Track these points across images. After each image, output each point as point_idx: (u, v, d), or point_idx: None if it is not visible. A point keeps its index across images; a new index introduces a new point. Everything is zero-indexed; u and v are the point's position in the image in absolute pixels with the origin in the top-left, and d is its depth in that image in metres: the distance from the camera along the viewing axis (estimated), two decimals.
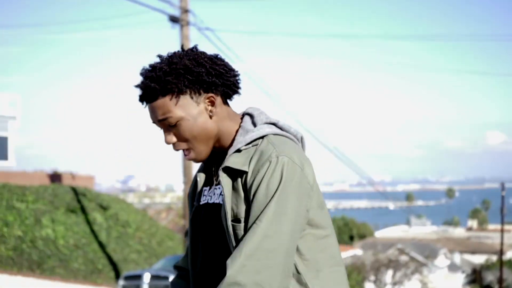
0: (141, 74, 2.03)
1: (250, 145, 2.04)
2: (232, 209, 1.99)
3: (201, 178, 2.19)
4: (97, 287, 20.58)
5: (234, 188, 2.00)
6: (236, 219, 1.98)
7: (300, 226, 1.95)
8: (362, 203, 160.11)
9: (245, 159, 2.00)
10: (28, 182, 25.41)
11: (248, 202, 1.96)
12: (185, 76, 1.98)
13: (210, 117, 2.04)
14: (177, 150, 2.06)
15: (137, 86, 2.04)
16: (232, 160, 2.01)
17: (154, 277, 15.12)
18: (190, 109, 2.00)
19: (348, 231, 60.15)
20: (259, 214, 1.90)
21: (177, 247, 26.91)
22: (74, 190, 25.85)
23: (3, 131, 29.95)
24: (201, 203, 2.16)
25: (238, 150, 2.03)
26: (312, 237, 2.01)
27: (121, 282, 16.14)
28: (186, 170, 18.50)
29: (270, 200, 1.90)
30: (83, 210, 24.45)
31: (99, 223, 24.36)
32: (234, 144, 2.05)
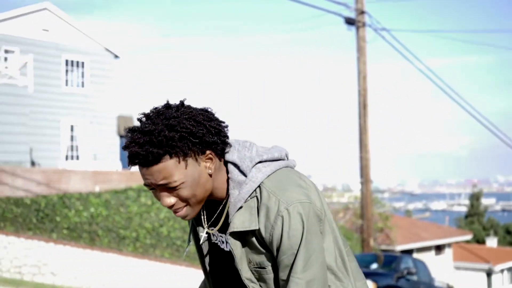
0: (132, 138, 1.91)
1: (249, 198, 2.00)
2: (251, 260, 2.04)
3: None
4: None
5: (248, 243, 2.02)
6: (260, 267, 2.04)
7: (323, 250, 2.01)
8: None
9: (250, 215, 1.99)
10: None
11: (268, 251, 2.00)
12: (189, 139, 1.92)
13: (209, 175, 2.00)
14: (175, 209, 1.98)
15: (130, 151, 1.91)
16: (239, 221, 1.99)
17: None
18: (192, 171, 1.94)
19: None
20: (292, 267, 1.94)
21: (355, 247, 26.97)
22: None
23: None
24: (212, 240, 2.20)
25: (239, 208, 2.01)
26: None
27: None
28: (363, 170, 18.58)
29: (298, 251, 1.93)
30: None
31: None
32: (233, 202, 2.01)
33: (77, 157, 26.18)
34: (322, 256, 1.98)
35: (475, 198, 57.71)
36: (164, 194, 1.95)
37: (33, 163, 23.10)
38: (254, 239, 1.99)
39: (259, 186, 2.00)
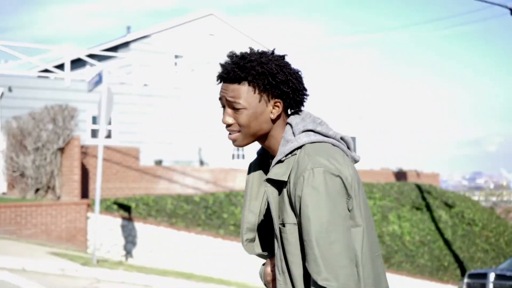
0: (230, 57, 2.27)
1: (290, 155, 2.20)
2: (279, 215, 2.20)
3: (252, 168, 2.45)
4: (443, 284, 20.74)
5: (280, 195, 2.20)
6: (282, 224, 2.18)
7: (348, 223, 2.10)
8: None
9: (286, 169, 2.18)
10: (374, 179, 26.58)
11: (293, 209, 2.15)
12: (267, 78, 2.19)
13: (271, 119, 2.24)
14: (228, 129, 2.27)
15: (222, 65, 2.26)
16: (274, 172, 2.20)
17: (499, 277, 14.77)
18: (257, 104, 2.21)
19: None
20: (313, 226, 2.05)
21: None
22: (419, 187, 26.30)
23: (351, 131, 31.73)
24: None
25: (280, 161, 2.21)
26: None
27: (466, 279, 16.10)
28: None
29: (319, 209, 2.05)
30: (428, 207, 24.75)
31: (444, 220, 24.43)
32: (277, 154, 2.23)
33: (243, 156, 27.09)
34: (347, 223, 2.09)
35: None
36: (228, 112, 2.26)
37: (201, 163, 24.22)
38: (286, 192, 2.17)
39: (301, 148, 2.20)
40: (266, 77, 2.19)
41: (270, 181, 2.21)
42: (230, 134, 2.27)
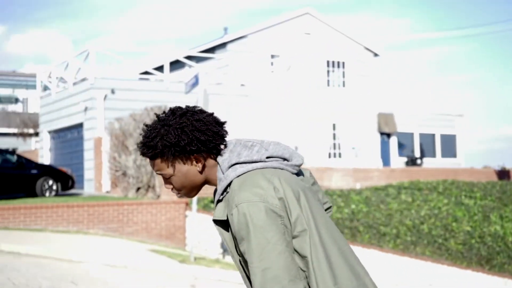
0: (142, 136, 2.37)
1: (225, 193, 2.30)
2: (237, 251, 2.34)
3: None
4: None
5: (230, 231, 2.33)
6: (243, 257, 2.29)
7: (286, 242, 2.15)
8: None
9: (224, 207, 2.30)
10: (475, 178, 25.84)
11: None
12: (171, 149, 2.28)
13: (199, 172, 2.34)
14: (174, 192, 2.42)
15: (138, 145, 2.43)
16: (216, 212, 2.33)
17: None
18: (179, 168, 2.32)
19: None
20: (249, 258, 2.15)
21: None
22: None
23: (451, 129, 30.97)
24: None
25: (219, 200, 2.34)
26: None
27: None
28: None
29: (249, 243, 2.14)
30: None
31: None
32: (216, 195, 2.35)
33: (339, 155, 27.00)
34: (280, 246, 2.13)
35: None
36: (164, 180, 2.41)
37: None
38: (231, 228, 2.29)
39: (229, 184, 2.29)
40: (170, 149, 2.29)
41: (216, 221, 2.34)
42: (177, 194, 2.43)
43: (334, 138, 27.01)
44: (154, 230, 15.53)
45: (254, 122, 23.49)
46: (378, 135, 28.27)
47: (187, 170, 2.34)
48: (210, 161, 2.37)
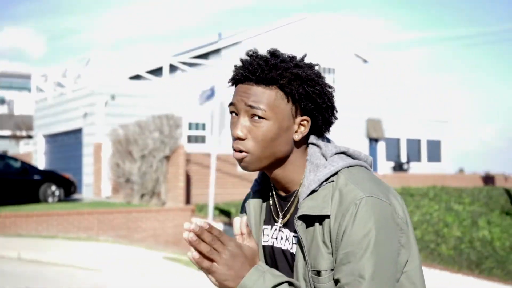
0: (258, 54, 1.82)
1: (325, 183, 1.77)
2: (308, 261, 1.77)
3: (252, 210, 1.97)
4: None
5: (312, 238, 1.76)
6: (314, 271, 1.76)
7: (396, 267, 1.72)
8: None
9: (323, 201, 1.75)
10: (462, 183, 26.53)
11: (330, 251, 1.74)
12: (304, 86, 1.76)
13: (293, 140, 1.80)
14: (236, 146, 1.78)
15: (245, 61, 1.81)
16: (309, 205, 1.75)
17: None
18: (284, 117, 1.77)
19: None
20: (357, 269, 1.65)
21: None
22: (508, 192, 26.09)
23: (436, 135, 31.64)
24: (263, 243, 1.95)
25: (312, 191, 1.77)
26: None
27: None
28: None
29: (365, 250, 1.66)
30: None
31: None
32: (306, 184, 1.78)
33: None
34: (394, 268, 1.70)
35: None
36: (242, 122, 1.78)
37: None
38: (319, 231, 1.75)
39: (337, 173, 1.79)
40: (302, 84, 1.76)
41: (302, 218, 1.77)
42: (237, 152, 1.79)
43: None
44: (162, 236, 15.85)
45: None
46: (367, 141, 28.84)
47: (288, 127, 1.79)
48: (304, 141, 1.86)
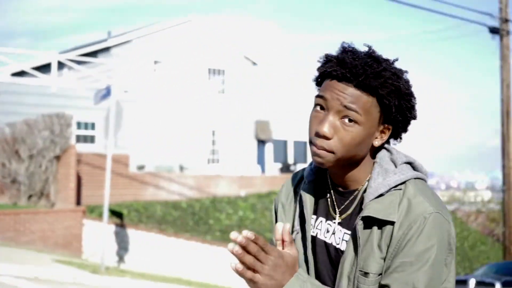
0: (358, 54, 1.78)
1: (393, 189, 1.78)
2: (356, 261, 1.78)
3: (308, 200, 1.93)
4: None
5: (367, 238, 1.78)
6: (362, 272, 1.77)
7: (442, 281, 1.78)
8: None
9: (389, 206, 1.76)
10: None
11: (383, 256, 1.75)
12: (400, 101, 1.77)
13: (372, 146, 1.83)
14: (320, 144, 1.75)
15: (350, 61, 1.75)
16: (375, 208, 1.76)
17: (479, 283, 15.44)
18: (372, 124, 1.77)
19: None
20: (413, 279, 1.69)
21: (492, 253, 26.80)
22: None
23: None
24: (312, 234, 1.92)
25: (380, 195, 1.78)
26: None
27: None
28: (505, 178, 18.68)
29: (424, 264, 1.69)
30: None
31: None
32: (374, 186, 1.79)
33: (218, 161, 27.60)
34: (440, 285, 1.75)
35: None
36: (331, 120, 1.75)
37: (181, 168, 24.65)
38: (377, 235, 1.77)
39: (404, 182, 1.80)
40: (399, 97, 1.78)
41: (364, 218, 1.78)
42: (319, 149, 1.76)
43: (213, 144, 27.58)
44: (51, 239, 15.36)
45: (137, 128, 23.52)
46: (256, 142, 29.20)
47: (372, 134, 1.80)
48: (380, 148, 1.88)
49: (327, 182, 1.93)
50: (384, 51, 1.84)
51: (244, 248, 1.63)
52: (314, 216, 1.93)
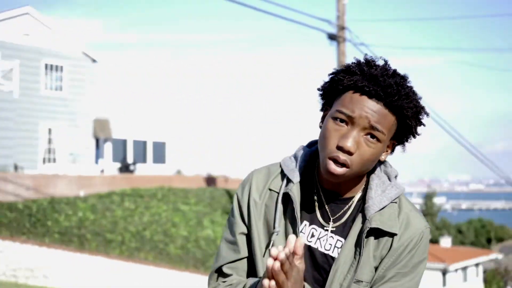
0: (393, 75, 1.78)
1: (391, 202, 1.85)
2: (348, 270, 1.83)
3: (298, 205, 1.88)
4: None
5: (379, 249, 1.84)
6: (355, 280, 1.83)
7: None
8: (500, 204, 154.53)
9: (389, 219, 1.82)
10: (187, 185, 27.52)
11: (375, 265, 1.83)
12: (417, 121, 1.81)
13: (379, 160, 1.85)
14: (342, 158, 1.73)
15: (386, 82, 1.74)
16: (380, 220, 1.81)
17: None
18: (385, 141, 1.78)
19: (486, 234, 58.51)
20: (397, 285, 1.81)
21: None
22: (228, 192, 27.70)
23: (162, 136, 32.36)
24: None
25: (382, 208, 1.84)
26: None
27: None
28: None
29: (416, 274, 1.83)
30: None
31: None
32: (374, 197, 1.84)
33: (54, 160, 26.63)
34: None
35: (428, 198, 56.41)
36: (355, 135, 1.74)
37: (15, 167, 23.51)
38: (373, 245, 1.83)
39: (398, 197, 1.88)
40: (418, 117, 1.82)
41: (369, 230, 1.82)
42: (338, 164, 1.75)
43: (49, 143, 26.58)
44: None
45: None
46: (94, 141, 28.50)
47: (383, 150, 1.81)
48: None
49: (314, 184, 1.92)
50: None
51: (281, 265, 1.58)
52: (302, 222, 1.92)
